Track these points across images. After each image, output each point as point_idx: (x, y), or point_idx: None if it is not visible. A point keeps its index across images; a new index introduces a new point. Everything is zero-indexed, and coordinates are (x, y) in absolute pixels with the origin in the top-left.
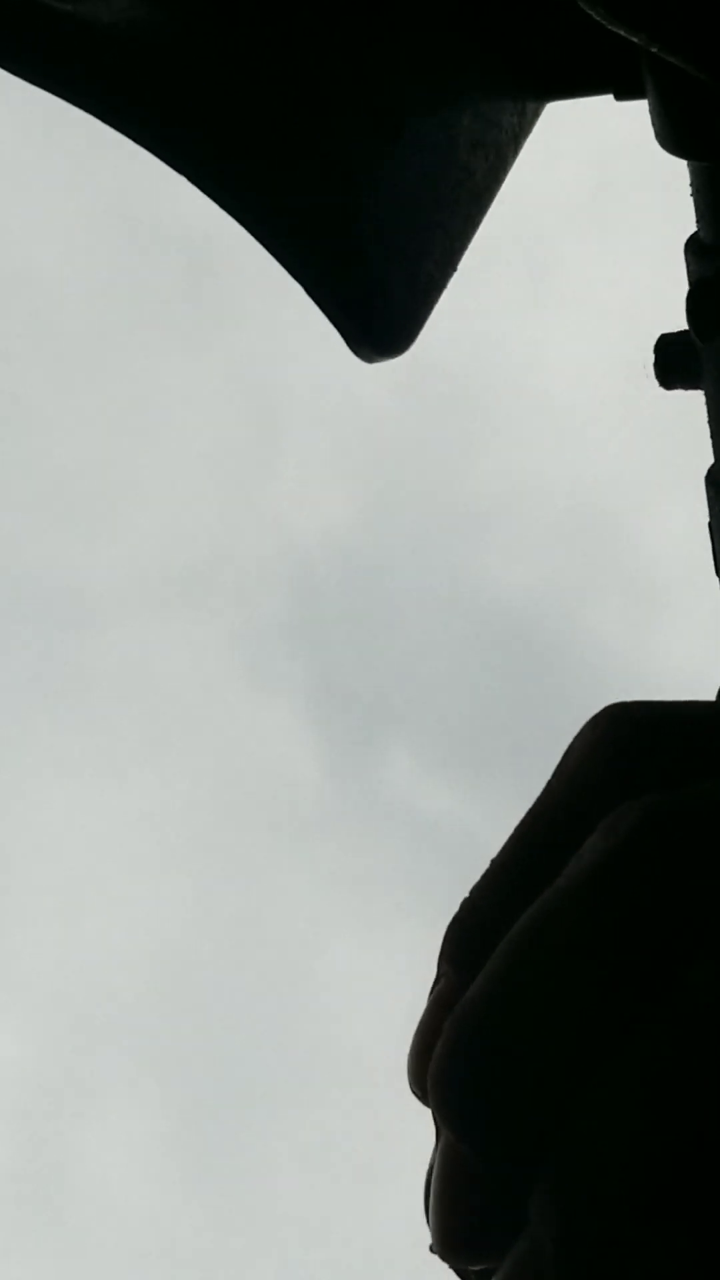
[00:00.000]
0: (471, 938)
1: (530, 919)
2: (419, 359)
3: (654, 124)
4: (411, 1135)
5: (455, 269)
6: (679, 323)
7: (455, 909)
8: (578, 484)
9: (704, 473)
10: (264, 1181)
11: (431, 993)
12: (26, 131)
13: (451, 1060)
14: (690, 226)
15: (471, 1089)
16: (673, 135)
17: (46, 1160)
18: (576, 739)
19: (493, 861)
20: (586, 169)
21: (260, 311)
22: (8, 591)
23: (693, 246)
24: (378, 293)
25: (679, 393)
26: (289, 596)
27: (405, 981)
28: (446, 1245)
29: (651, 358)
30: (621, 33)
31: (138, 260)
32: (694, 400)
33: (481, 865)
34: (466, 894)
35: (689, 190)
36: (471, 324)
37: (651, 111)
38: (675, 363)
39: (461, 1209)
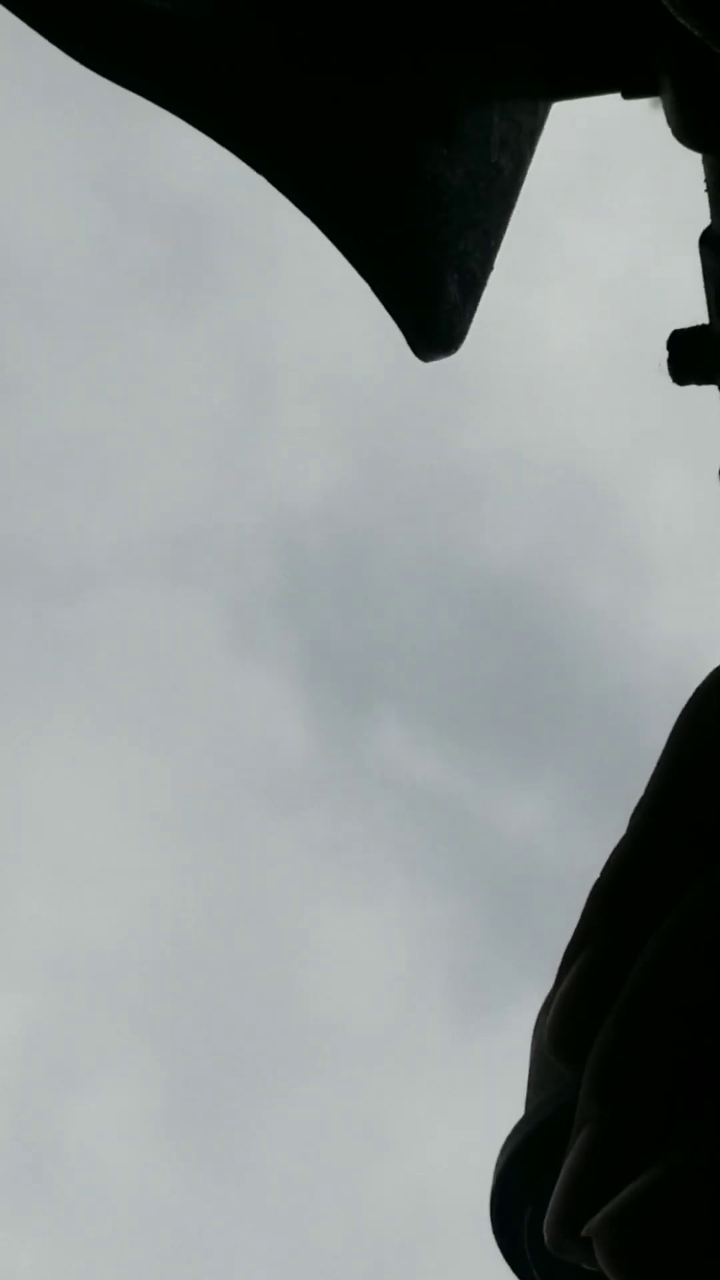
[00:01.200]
0: (623, 903)
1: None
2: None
3: (670, 120)
4: (402, 1104)
5: (493, 267)
6: (668, 296)
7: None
8: (570, 454)
9: (698, 458)
10: (256, 1151)
11: (573, 949)
12: (12, 99)
13: (619, 1052)
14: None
15: (640, 1084)
16: (691, 130)
17: (39, 1129)
18: (696, 707)
19: (631, 825)
20: (578, 141)
21: (251, 279)
22: None
23: (710, 242)
24: (435, 292)
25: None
26: (279, 564)
27: (396, 949)
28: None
29: (638, 342)
30: (689, 25)
31: (127, 228)
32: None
33: (471, 834)
34: (610, 855)
35: (702, 185)
36: None
37: (667, 108)
38: (689, 358)
39: (602, 1197)
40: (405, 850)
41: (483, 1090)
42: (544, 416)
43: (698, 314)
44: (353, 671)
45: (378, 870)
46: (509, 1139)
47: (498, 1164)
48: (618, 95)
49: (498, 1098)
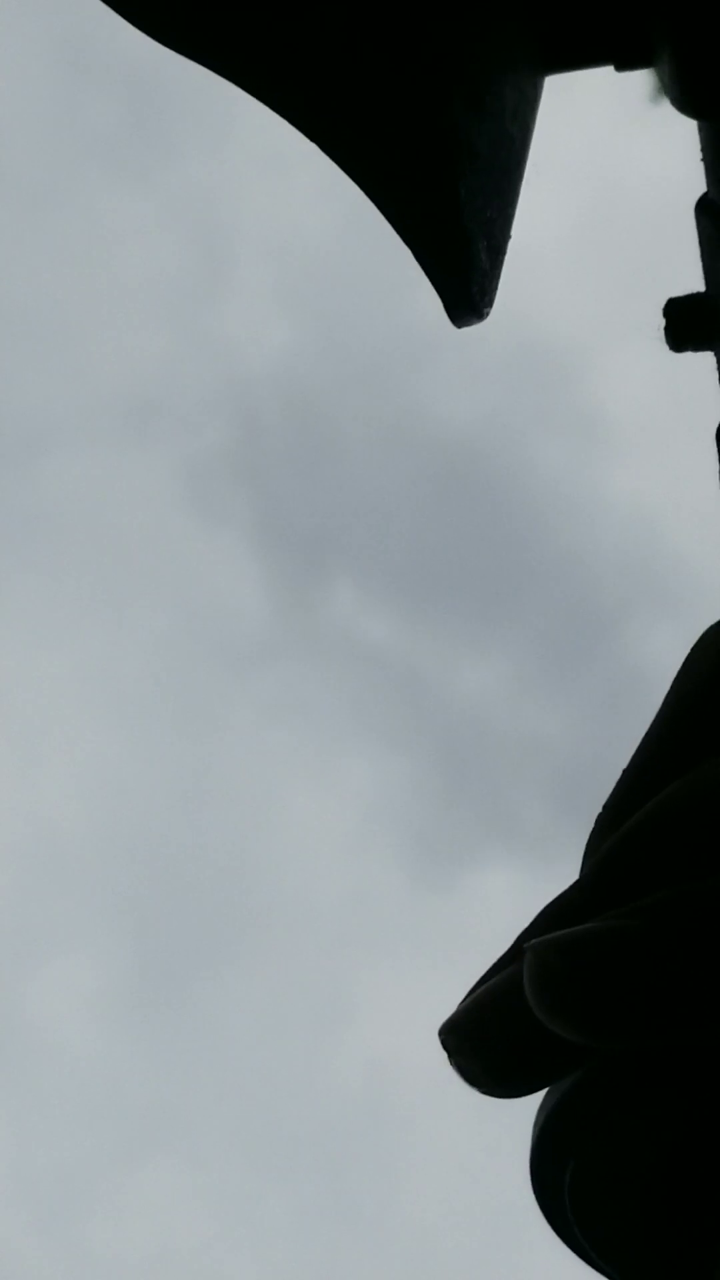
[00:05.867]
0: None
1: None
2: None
3: (668, 89)
4: (359, 970)
5: (510, 236)
6: (625, 171)
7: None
8: (527, 322)
9: (654, 316)
10: (216, 1022)
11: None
12: None
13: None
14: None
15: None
16: (690, 98)
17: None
18: (693, 658)
19: (624, 771)
20: None
21: (205, 144)
22: None
23: (708, 209)
24: (470, 259)
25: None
26: (235, 428)
27: (351, 812)
28: (461, 1036)
29: (596, 213)
30: None
31: (82, 93)
32: (644, 252)
33: (425, 696)
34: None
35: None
36: None
37: (664, 78)
38: (686, 326)
39: (496, 1028)
40: (360, 713)
41: (438, 951)
42: (502, 283)
43: (655, 192)
44: (308, 535)
45: (333, 734)
46: (549, 1093)
47: (537, 1120)
48: (610, 68)
49: (453, 958)
